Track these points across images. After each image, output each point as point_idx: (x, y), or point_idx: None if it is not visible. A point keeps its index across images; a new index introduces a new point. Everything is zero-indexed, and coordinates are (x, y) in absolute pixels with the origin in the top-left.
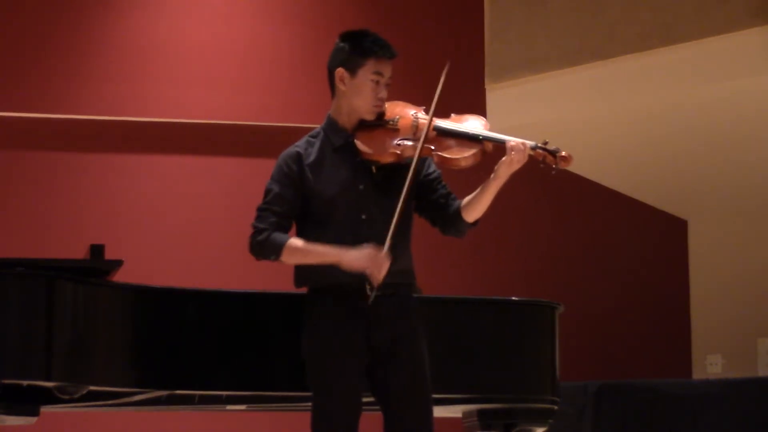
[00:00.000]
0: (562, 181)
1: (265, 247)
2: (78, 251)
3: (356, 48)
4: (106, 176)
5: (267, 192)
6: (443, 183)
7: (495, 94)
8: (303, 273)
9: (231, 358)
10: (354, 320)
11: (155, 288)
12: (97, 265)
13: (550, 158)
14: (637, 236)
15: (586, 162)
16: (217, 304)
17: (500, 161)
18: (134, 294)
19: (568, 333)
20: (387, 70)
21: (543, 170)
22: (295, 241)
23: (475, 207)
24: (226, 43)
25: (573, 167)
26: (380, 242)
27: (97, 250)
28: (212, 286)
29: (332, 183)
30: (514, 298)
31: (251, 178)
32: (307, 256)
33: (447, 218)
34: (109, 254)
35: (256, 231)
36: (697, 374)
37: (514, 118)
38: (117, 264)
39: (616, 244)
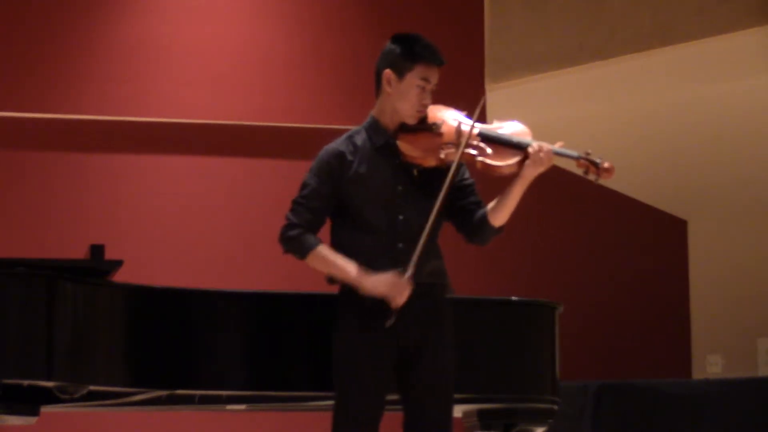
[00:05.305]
0: (561, 182)
1: (294, 245)
2: (78, 251)
3: (407, 52)
4: (106, 176)
5: (304, 186)
6: (476, 192)
7: (495, 94)
8: None
9: (231, 358)
10: (383, 320)
11: (155, 288)
12: (97, 265)
13: (592, 169)
14: (637, 236)
15: None
16: (216, 304)
17: (526, 162)
18: (134, 294)
19: (568, 333)
20: (434, 76)
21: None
22: (323, 250)
23: (500, 210)
24: (226, 43)
25: (572, 167)
26: (415, 242)
27: (97, 250)
28: (212, 286)
29: (372, 182)
30: (514, 298)
31: (251, 178)
32: (330, 267)
33: (473, 224)
34: (109, 254)
35: (290, 225)
36: (697, 374)
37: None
38: (117, 264)
39: (616, 244)
